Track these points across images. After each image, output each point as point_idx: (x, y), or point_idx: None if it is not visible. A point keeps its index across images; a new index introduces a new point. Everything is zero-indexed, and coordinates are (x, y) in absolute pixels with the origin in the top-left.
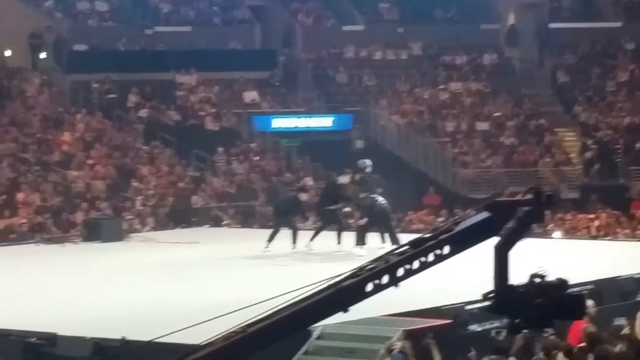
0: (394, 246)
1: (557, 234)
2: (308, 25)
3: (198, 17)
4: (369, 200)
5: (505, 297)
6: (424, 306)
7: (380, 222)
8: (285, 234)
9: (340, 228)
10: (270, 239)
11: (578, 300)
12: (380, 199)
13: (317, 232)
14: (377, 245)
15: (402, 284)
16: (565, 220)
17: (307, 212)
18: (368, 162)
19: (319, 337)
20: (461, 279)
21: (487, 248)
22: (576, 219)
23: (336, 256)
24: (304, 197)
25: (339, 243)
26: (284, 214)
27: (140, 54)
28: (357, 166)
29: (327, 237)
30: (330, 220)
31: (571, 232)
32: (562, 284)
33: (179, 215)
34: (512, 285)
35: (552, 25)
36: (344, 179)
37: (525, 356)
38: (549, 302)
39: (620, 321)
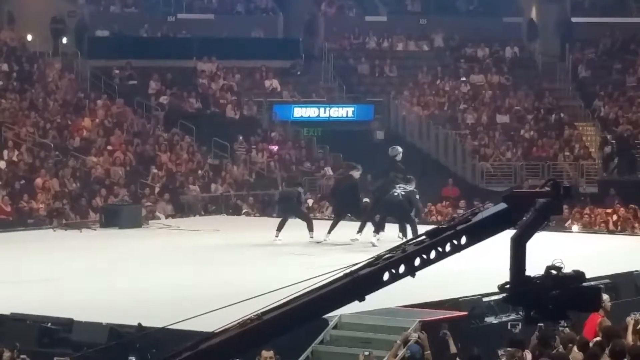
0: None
1: (575, 228)
2: (331, 15)
3: (221, 5)
4: (378, 192)
5: (521, 289)
6: (440, 297)
7: (388, 212)
8: (294, 224)
9: (364, 220)
10: (280, 227)
11: (594, 293)
12: (395, 191)
13: (335, 223)
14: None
15: (420, 274)
16: (583, 214)
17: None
18: (399, 149)
19: (335, 327)
20: (480, 270)
21: (507, 239)
22: (594, 213)
23: (355, 246)
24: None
25: (359, 232)
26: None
27: (162, 41)
28: (389, 153)
29: (347, 227)
30: (354, 213)
31: (589, 227)
32: (578, 276)
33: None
34: (528, 277)
35: (574, 20)
36: (357, 174)
37: (542, 349)
38: (565, 293)
39: (637, 315)
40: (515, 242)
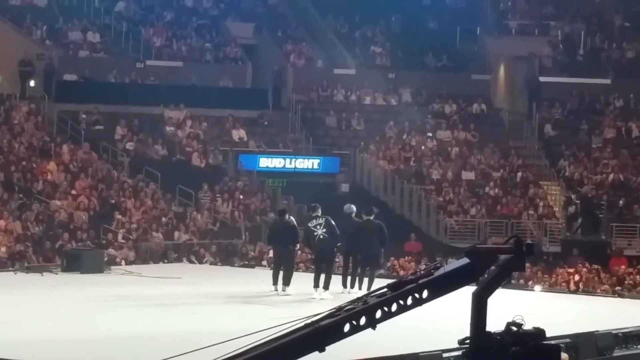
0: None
1: (537, 287)
2: (299, 66)
3: (190, 53)
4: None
5: (482, 344)
6: (400, 351)
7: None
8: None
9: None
10: (276, 278)
11: (553, 351)
12: (319, 231)
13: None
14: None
15: (381, 327)
16: (545, 273)
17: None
18: (353, 207)
19: None
20: (440, 324)
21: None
22: (556, 272)
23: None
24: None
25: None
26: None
27: (130, 87)
28: (344, 210)
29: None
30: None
31: (551, 286)
32: (538, 333)
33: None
34: (488, 332)
35: (542, 79)
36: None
37: None
38: (525, 350)
39: None
40: (477, 298)
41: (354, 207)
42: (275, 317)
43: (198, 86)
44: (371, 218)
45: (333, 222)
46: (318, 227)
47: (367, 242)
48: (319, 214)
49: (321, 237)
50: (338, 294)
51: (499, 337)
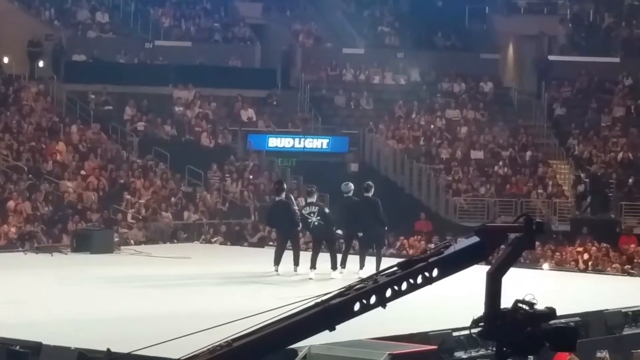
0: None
1: (546, 265)
2: (308, 46)
3: (198, 33)
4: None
5: (496, 323)
6: (410, 330)
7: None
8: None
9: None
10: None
11: (571, 333)
12: (313, 219)
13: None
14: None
15: (391, 306)
16: (554, 252)
17: None
18: (352, 186)
19: (304, 357)
20: (450, 303)
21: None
22: (565, 251)
23: (326, 278)
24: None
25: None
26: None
27: (138, 67)
28: (342, 190)
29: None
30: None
31: (560, 265)
32: (551, 312)
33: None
34: (503, 312)
35: (551, 58)
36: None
37: None
38: (541, 331)
39: (603, 354)
40: (491, 277)
41: (351, 186)
42: (285, 297)
43: (207, 66)
44: (369, 195)
45: (327, 210)
46: (312, 215)
47: (367, 221)
48: (314, 200)
49: (315, 223)
50: (344, 273)
51: (512, 316)
